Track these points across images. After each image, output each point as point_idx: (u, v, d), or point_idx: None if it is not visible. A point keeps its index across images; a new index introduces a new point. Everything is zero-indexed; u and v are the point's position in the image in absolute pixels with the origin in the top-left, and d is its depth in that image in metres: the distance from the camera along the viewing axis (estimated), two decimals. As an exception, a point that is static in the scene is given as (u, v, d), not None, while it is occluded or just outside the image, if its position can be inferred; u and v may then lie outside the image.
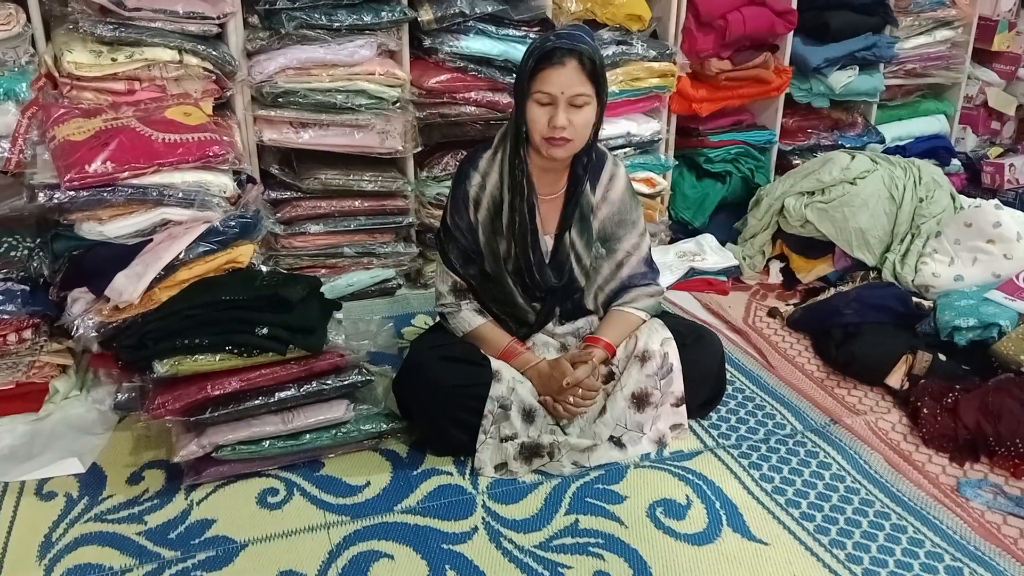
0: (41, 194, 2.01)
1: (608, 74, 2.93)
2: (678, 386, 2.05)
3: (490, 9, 2.72)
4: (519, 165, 1.95)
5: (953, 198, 3.00)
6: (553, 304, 2.10)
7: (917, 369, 2.32)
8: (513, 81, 2.72)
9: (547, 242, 2.04)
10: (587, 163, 2.00)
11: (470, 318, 2.05)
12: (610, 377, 2.07)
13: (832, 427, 2.18)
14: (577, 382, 1.95)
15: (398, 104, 2.66)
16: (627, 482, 1.95)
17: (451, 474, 1.96)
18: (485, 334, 2.05)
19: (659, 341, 2.03)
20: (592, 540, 1.76)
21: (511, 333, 2.08)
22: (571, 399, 1.95)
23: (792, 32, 3.28)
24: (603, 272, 2.12)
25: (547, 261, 2.03)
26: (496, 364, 1.96)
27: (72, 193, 2.00)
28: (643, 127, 3.11)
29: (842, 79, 3.41)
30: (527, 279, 2.03)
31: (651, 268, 2.15)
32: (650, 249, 2.16)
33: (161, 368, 1.81)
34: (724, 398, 2.25)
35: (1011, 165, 3.82)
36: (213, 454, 1.86)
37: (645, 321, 2.10)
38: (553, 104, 1.86)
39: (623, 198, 2.09)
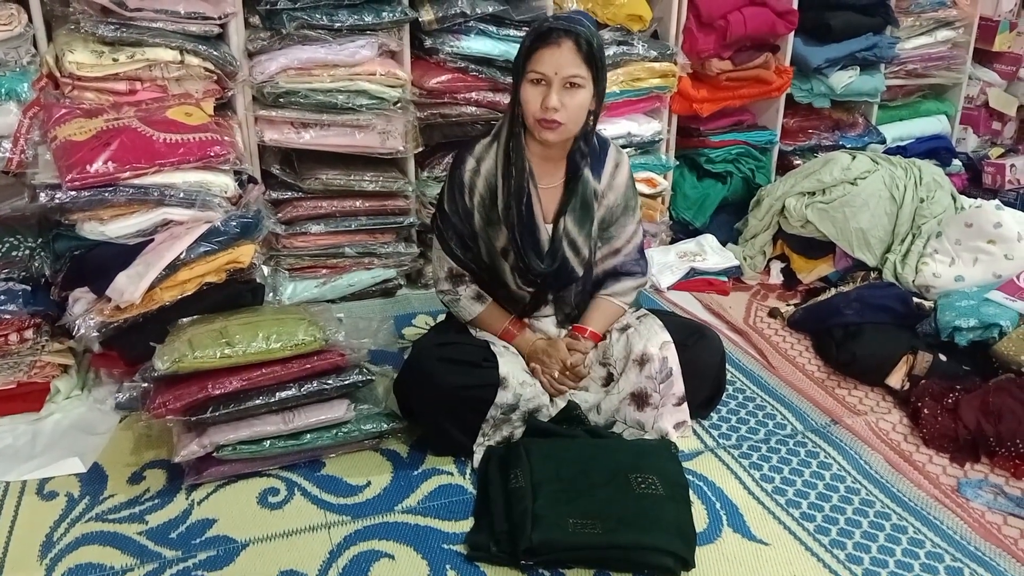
0: (42, 194, 2.01)
1: (609, 74, 2.96)
2: (679, 388, 2.04)
3: (491, 9, 2.72)
4: (515, 148, 1.94)
5: (954, 198, 3.00)
6: (546, 290, 2.10)
7: (918, 369, 2.32)
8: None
9: (547, 230, 2.03)
10: (586, 151, 1.99)
11: (470, 307, 2.10)
12: (609, 379, 2.07)
13: (833, 427, 2.18)
14: (572, 367, 2.04)
15: (399, 104, 2.67)
16: (628, 482, 1.95)
17: (452, 474, 1.96)
18: (485, 318, 2.10)
19: (658, 345, 2.02)
20: (592, 540, 1.76)
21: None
22: (556, 375, 2.03)
23: (793, 32, 3.28)
24: (599, 255, 2.13)
25: (545, 249, 2.03)
26: (503, 371, 1.94)
27: (73, 193, 2.00)
28: (644, 127, 3.12)
29: (843, 79, 3.41)
30: (520, 263, 2.03)
31: (642, 255, 2.20)
32: (642, 237, 2.22)
33: (161, 365, 1.81)
34: (725, 398, 2.25)
35: (1012, 165, 3.82)
36: (214, 454, 1.87)
37: (626, 312, 2.16)
38: (547, 84, 1.85)
39: (628, 184, 2.11)
